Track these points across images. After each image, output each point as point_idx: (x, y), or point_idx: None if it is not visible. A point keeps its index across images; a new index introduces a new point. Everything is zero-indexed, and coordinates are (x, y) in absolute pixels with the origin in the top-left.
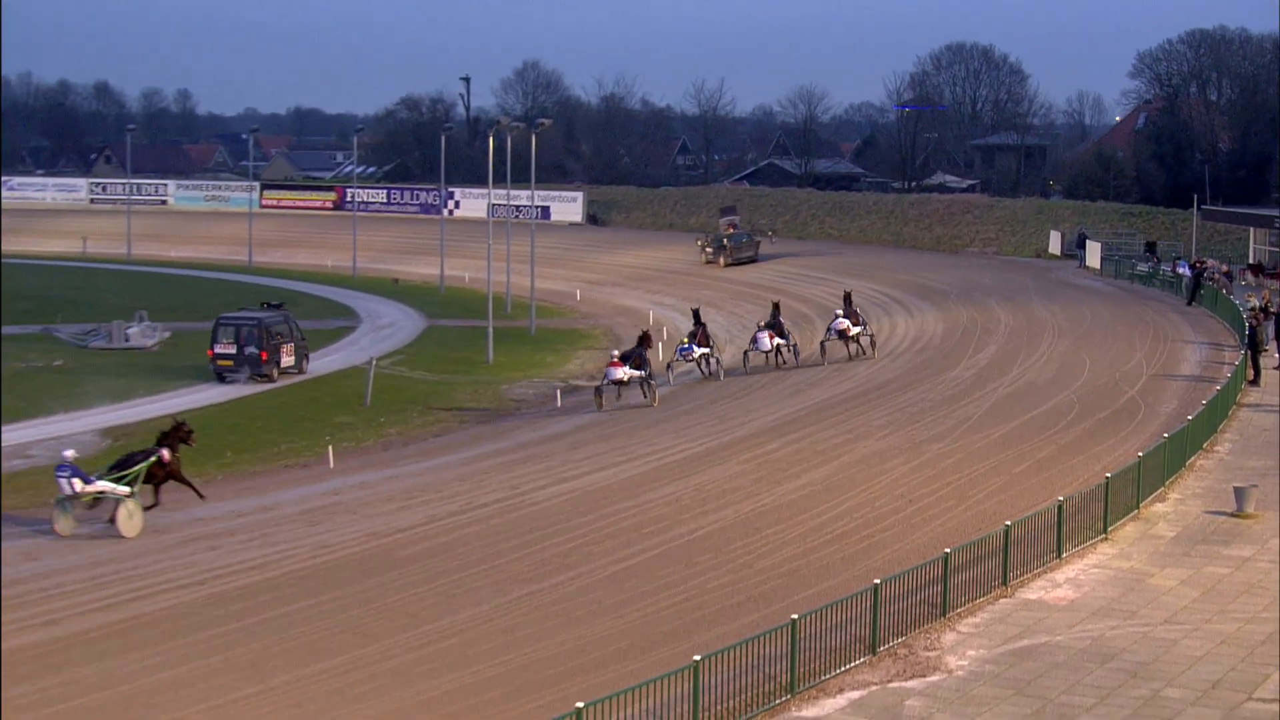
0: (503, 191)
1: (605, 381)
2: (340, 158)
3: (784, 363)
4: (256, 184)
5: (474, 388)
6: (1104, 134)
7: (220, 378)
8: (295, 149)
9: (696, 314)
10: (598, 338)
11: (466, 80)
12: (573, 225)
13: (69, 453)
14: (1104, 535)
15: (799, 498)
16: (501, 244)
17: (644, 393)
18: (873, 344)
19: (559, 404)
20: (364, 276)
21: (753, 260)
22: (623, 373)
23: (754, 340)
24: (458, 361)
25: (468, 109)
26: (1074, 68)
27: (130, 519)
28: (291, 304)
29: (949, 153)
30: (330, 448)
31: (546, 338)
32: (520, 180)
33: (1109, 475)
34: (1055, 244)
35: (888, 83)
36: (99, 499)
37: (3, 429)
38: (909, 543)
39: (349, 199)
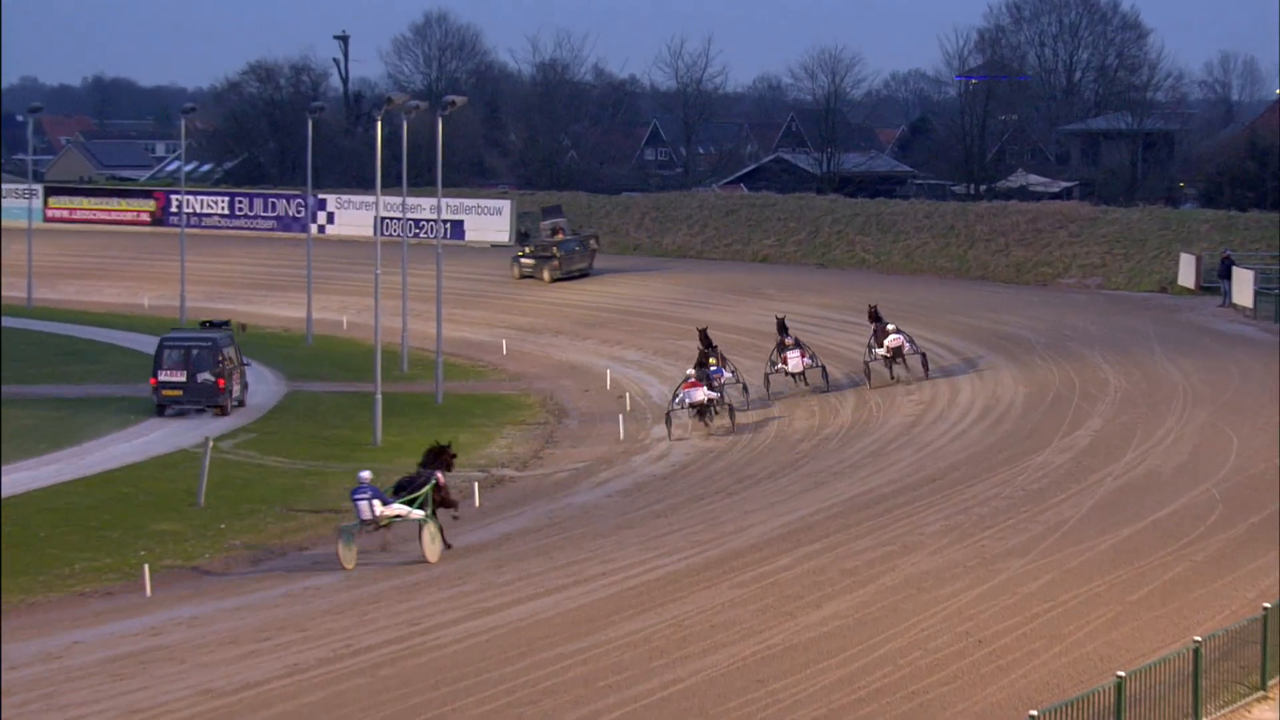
0: (396, 199)
1: (681, 405)
2: (162, 150)
3: (807, 384)
4: (39, 187)
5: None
6: (1259, 114)
7: (161, 410)
8: (96, 137)
9: (704, 334)
10: (532, 409)
11: (344, 40)
12: (497, 247)
13: (366, 474)
14: (1262, 692)
15: (820, 636)
16: (394, 274)
17: (712, 417)
18: (925, 364)
19: (477, 503)
20: (197, 321)
21: (585, 274)
22: (703, 394)
23: (780, 360)
24: (332, 443)
25: (345, 81)
26: (1216, 19)
27: (434, 542)
28: (87, 362)
29: (1034, 143)
30: (147, 567)
31: (459, 408)
32: (421, 183)
33: (1268, 606)
34: (1188, 272)
35: (946, 43)
36: (393, 523)
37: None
38: (978, 701)
39: (174, 209)
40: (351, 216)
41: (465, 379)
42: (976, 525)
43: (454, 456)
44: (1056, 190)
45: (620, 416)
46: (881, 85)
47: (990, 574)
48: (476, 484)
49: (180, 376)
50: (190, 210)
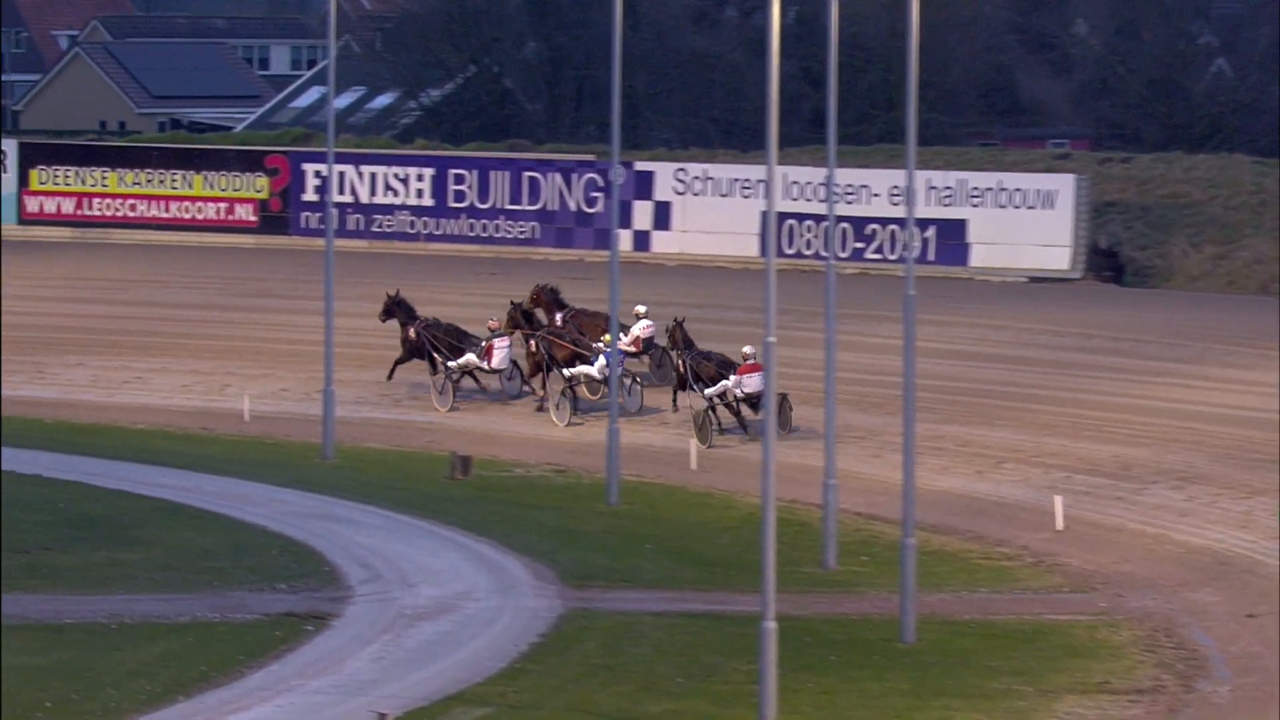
0: (810, 172)
1: (718, 399)
2: (282, 62)
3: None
4: (10, 146)
5: None
6: None
7: None
8: (133, 34)
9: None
10: (1123, 655)
11: None
12: (1044, 281)
13: None
14: None
15: None
16: (808, 345)
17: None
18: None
19: None
20: (353, 448)
21: None
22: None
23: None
24: None
25: None
26: None
27: None
28: (117, 545)
29: None
30: None
31: (957, 654)
32: (868, 140)
33: None
34: None
35: None
36: None
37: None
38: None
39: (309, 196)
40: (706, 211)
41: (970, 585)
42: None
43: None
44: None
45: None
46: None
47: None
48: None
49: None
50: (347, 199)
